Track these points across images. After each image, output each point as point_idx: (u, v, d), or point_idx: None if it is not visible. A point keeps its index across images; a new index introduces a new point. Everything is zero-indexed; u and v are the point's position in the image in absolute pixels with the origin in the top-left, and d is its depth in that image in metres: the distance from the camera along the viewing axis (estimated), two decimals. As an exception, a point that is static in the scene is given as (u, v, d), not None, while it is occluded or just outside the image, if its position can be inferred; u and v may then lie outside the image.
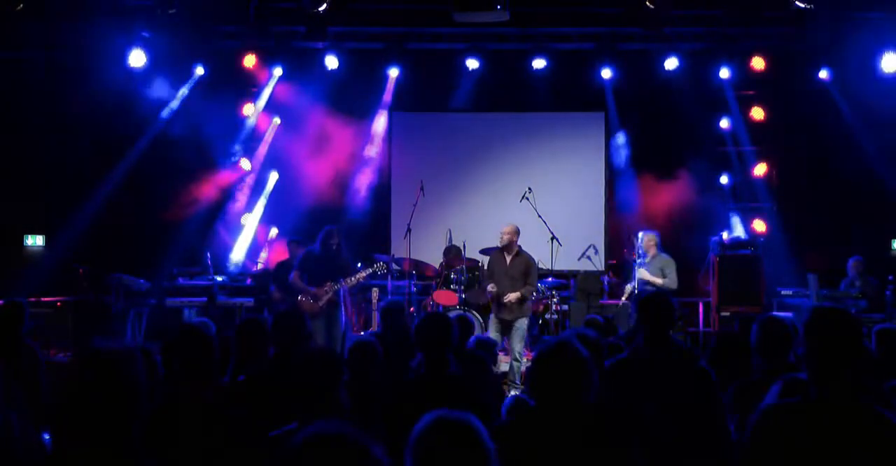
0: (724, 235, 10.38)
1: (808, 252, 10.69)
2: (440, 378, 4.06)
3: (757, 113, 11.53)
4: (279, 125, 12.04)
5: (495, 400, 4.91)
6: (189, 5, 9.93)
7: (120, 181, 11.48)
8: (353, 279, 8.78)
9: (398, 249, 11.02)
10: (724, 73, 11.16)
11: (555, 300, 10.13)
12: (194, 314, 10.06)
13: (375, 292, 9.77)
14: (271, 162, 12.09)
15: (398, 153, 12.41)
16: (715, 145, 11.87)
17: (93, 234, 11.22)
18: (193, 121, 11.27)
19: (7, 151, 11.58)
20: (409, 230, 9.98)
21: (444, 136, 12.39)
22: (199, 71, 11.40)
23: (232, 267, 11.39)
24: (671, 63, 10.92)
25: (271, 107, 11.93)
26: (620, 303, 9.92)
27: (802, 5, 9.34)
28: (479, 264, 10.29)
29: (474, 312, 9.45)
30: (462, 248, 10.10)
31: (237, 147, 11.84)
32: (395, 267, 10.42)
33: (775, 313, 8.69)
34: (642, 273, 9.45)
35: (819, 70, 11.04)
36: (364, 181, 12.00)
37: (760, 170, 11.66)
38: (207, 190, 11.62)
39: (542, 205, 10.01)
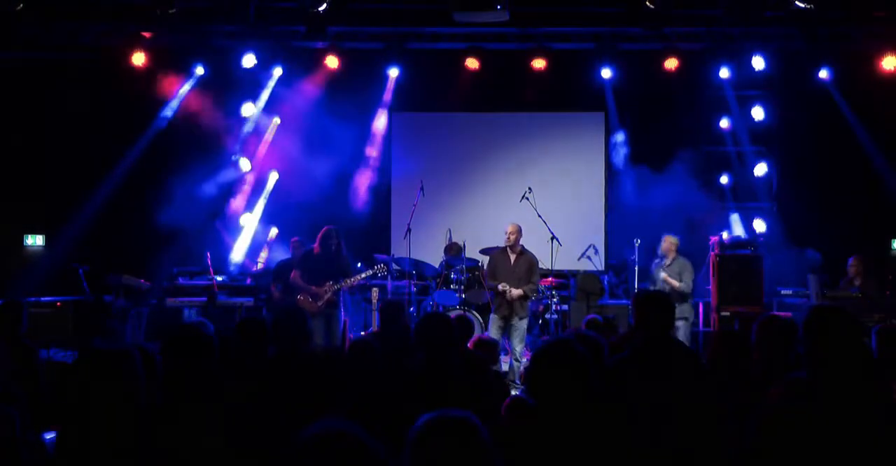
0: (724, 235, 10.37)
1: (808, 252, 10.70)
2: (440, 377, 4.06)
3: (757, 113, 11.52)
4: (279, 125, 12.04)
5: (497, 399, 4.90)
6: (189, 5, 9.93)
7: (120, 181, 11.49)
8: (353, 280, 8.78)
9: (398, 249, 11.01)
10: (724, 73, 11.15)
11: (555, 300, 10.13)
12: (194, 314, 10.06)
13: (375, 292, 9.76)
14: (271, 162, 12.07)
15: (398, 153, 12.40)
16: (715, 145, 11.88)
17: (93, 234, 11.24)
18: (193, 122, 11.28)
19: (7, 151, 11.59)
20: (409, 230, 9.98)
21: (444, 136, 12.39)
22: (199, 71, 11.40)
23: (232, 267, 11.38)
24: (671, 63, 10.91)
25: (271, 108, 11.93)
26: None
27: (802, 5, 9.34)
28: (479, 264, 10.29)
29: (474, 312, 9.46)
30: (462, 247, 10.10)
31: (237, 147, 11.84)
32: (395, 267, 10.42)
33: (775, 313, 8.69)
34: (663, 274, 9.47)
35: (819, 70, 11.03)
36: (364, 181, 12.00)
37: (760, 170, 11.65)
38: (207, 190, 11.62)
39: (542, 204, 10.01)
